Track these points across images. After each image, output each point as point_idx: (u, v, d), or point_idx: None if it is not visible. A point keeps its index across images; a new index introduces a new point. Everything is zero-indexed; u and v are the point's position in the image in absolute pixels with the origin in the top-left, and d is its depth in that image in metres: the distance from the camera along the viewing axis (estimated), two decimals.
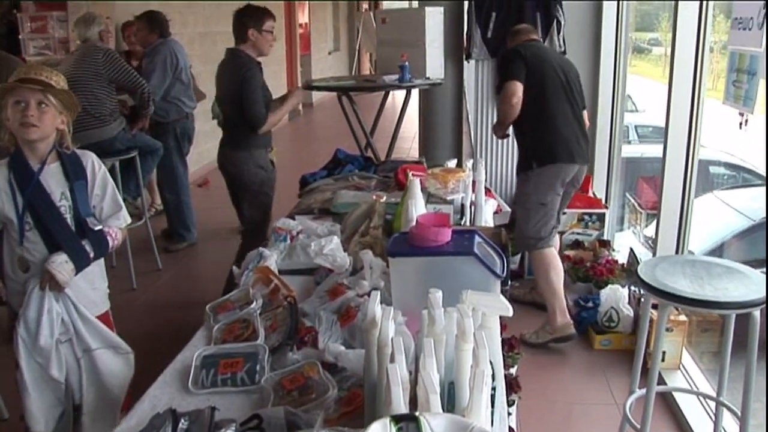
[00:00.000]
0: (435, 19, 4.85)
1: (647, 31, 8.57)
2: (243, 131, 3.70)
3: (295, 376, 1.63)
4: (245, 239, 3.93)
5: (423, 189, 2.70)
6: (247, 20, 3.66)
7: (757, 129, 3.08)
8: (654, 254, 3.60)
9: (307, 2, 13.40)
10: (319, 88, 5.41)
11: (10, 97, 2.18)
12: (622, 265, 4.13)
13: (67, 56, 5.07)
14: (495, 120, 3.99)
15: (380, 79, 5.08)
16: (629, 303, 3.73)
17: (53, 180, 2.27)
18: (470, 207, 2.94)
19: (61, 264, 2.22)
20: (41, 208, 2.24)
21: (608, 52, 4.87)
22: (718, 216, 5.05)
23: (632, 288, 3.84)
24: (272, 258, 2.29)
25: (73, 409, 2.38)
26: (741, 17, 2.69)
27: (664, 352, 3.26)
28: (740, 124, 3.25)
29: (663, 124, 3.49)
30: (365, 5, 18.93)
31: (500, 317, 1.43)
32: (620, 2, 4.74)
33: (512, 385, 2.25)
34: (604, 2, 4.83)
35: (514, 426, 2.15)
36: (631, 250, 4.11)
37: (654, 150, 5.27)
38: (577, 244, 4.53)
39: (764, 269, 2.94)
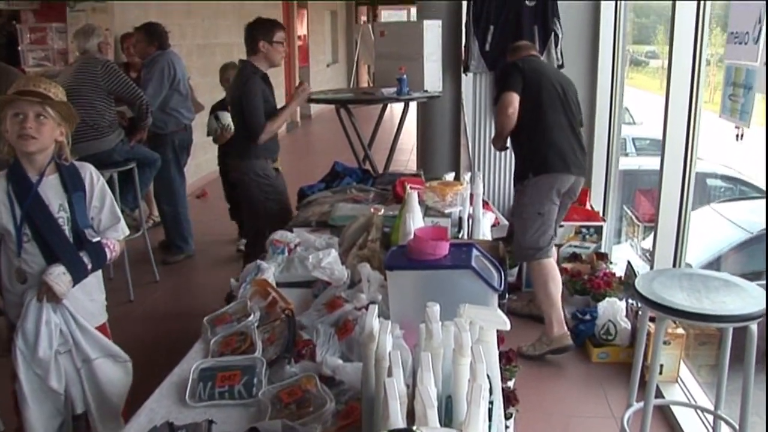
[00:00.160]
0: (433, 32, 4.87)
1: (644, 43, 8.63)
2: (245, 141, 3.77)
3: (292, 389, 1.62)
4: (247, 252, 3.94)
5: (421, 202, 2.69)
6: (258, 33, 3.75)
7: (754, 141, 3.09)
8: (651, 267, 3.61)
9: (305, 14, 13.45)
10: (317, 101, 5.42)
11: (9, 110, 2.19)
12: (620, 278, 4.13)
13: (66, 68, 5.07)
14: (493, 133, 4.00)
15: (378, 91, 5.08)
16: (627, 316, 3.73)
17: (52, 192, 2.27)
18: (468, 220, 2.94)
19: (58, 275, 2.22)
20: (39, 220, 2.24)
21: (605, 65, 4.90)
22: (715, 228, 5.05)
23: (630, 301, 3.84)
24: (270, 270, 2.29)
25: (72, 419, 2.38)
26: (737, 31, 2.71)
27: (661, 366, 3.25)
28: (737, 136, 3.26)
29: (660, 137, 3.51)
30: (364, 18, 19.04)
31: (498, 330, 1.43)
32: (617, 15, 4.78)
33: (510, 398, 2.25)
34: (602, 15, 4.86)
35: None
36: (629, 262, 4.11)
37: (651, 162, 5.30)
38: (574, 257, 4.54)
39: (761, 282, 2.95)
